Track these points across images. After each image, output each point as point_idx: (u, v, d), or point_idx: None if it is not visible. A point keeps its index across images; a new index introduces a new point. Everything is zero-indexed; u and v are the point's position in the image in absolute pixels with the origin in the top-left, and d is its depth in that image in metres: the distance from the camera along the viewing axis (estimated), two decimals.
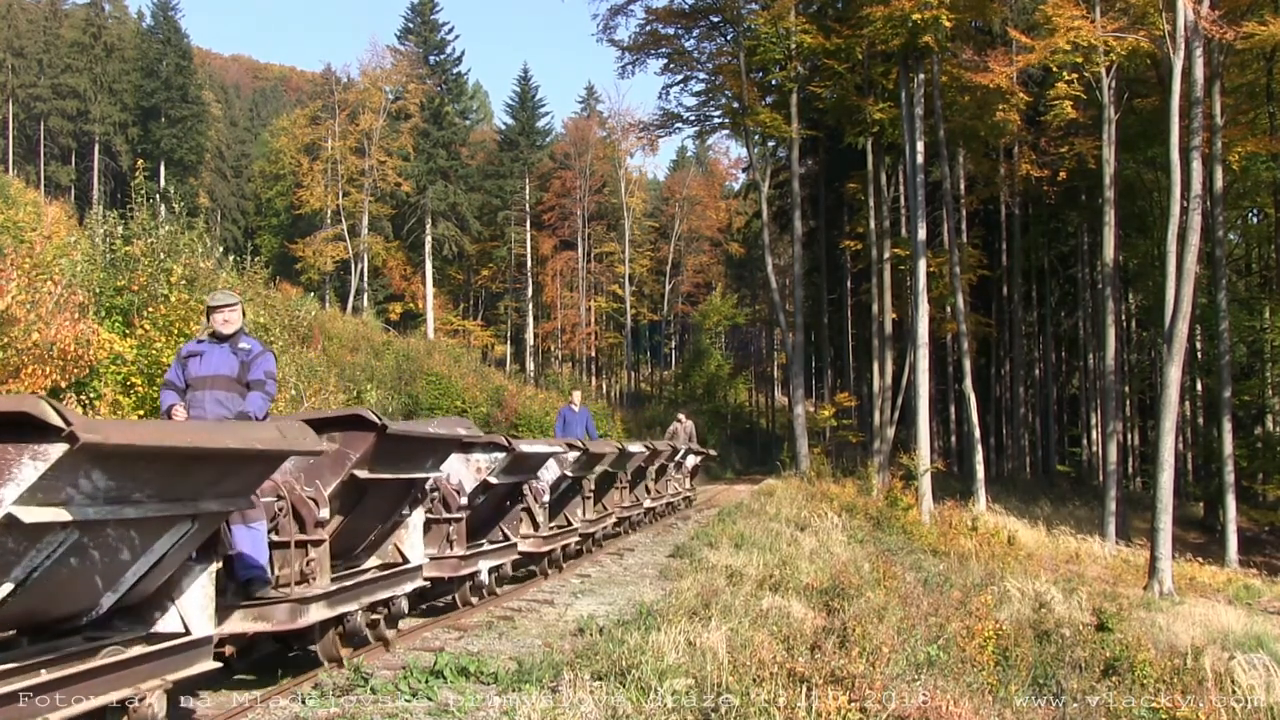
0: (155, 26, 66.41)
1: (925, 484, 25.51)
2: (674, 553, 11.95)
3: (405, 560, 6.92)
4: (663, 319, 65.91)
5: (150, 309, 12.49)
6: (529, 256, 59.39)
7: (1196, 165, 21.85)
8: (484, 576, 8.44)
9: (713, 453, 29.22)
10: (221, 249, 16.70)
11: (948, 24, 25.84)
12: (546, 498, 10.08)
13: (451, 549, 7.95)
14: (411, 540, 7.00)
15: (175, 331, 11.95)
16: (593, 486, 12.05)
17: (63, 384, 10.52)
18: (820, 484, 23.00)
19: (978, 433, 30.07)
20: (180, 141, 63.67)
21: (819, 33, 30.30)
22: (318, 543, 5.86)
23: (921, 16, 25.22)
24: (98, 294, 13.09)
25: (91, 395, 11.24)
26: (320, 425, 5.67)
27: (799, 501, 19.07)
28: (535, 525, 9.92)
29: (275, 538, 5.62)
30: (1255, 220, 39.06)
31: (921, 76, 27.86)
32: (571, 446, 10.47)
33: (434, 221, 53.72)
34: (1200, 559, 25.25)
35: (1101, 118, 27.08)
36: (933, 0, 25.18)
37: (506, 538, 9.23)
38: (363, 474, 5.97)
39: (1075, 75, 26.49)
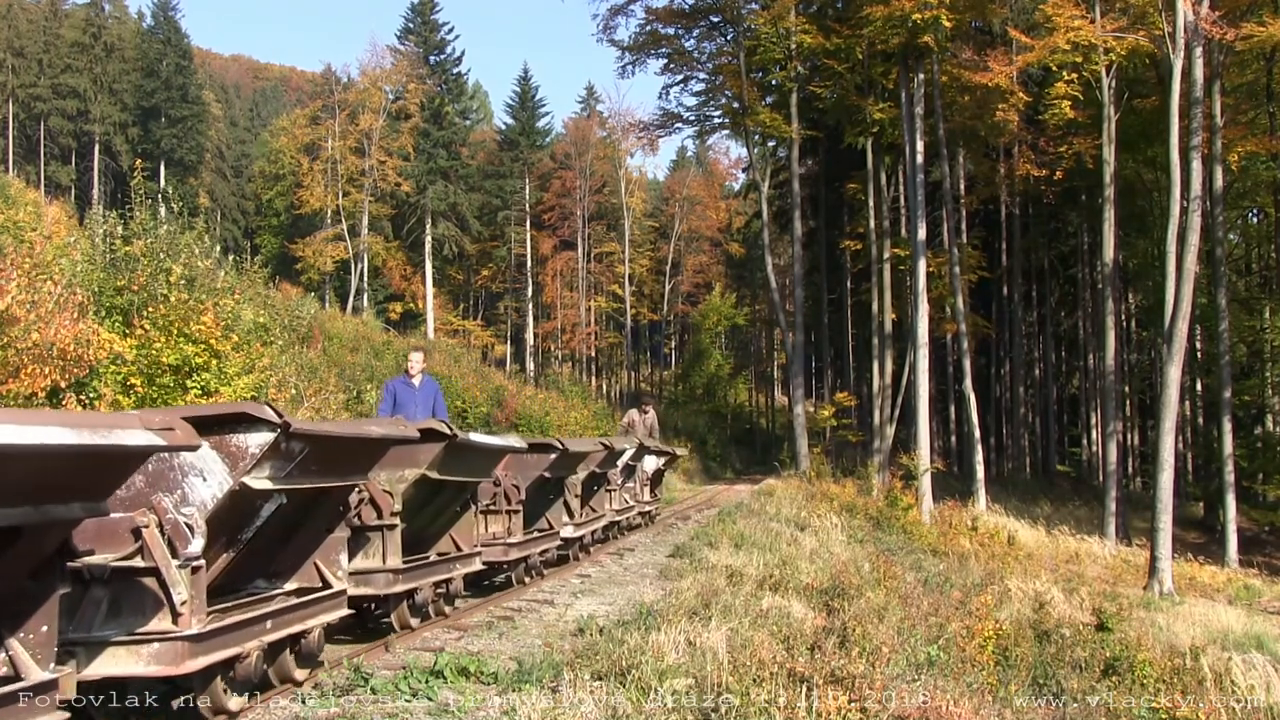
0: (155, 26, 66.47)
1: (925, 484, 25.53)
2: (674, 553, 11.94)
3: None
4: (663, 319, 65.94)
5: (150, 309, 12.48)
6: (529, 256, 59.40)
7: (1196, 165, 21.87)
8: None
9: (681, 452, 23.66)
10: (220, 249, 16.68)
11: (948, 24, 25.89)
12: (196, 546, 4.37)
13: None
14: None
15: (175, 331, 11.94)
16: (388, 515, 6.58)
17: (62, 384, 10.51)
18: (820, 484, 22.98)
19: (978, 433, 30.09)
20: (180, 141, 63.73)
21: (819, 33, 30.32)
22: None
23: (921, 16, 25.26)
24: (98, 294, 13.09)
25: (91, 395, 11.24)
26: None
27: (799, 501, 19.05)
28: (172, 611, 4.34)
29: None
30: (1255, 220, 39.10)
31: (921, 76, 27.88)
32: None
33: (434, 221, 53.73)
34: (1200, 559, 25.25)
35: (1101, 117, 27.10)
36: (932, 0, 25.20)
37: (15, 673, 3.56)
38: None
39: (1075, 75, 26.54)
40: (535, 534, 9.89)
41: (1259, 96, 30.55)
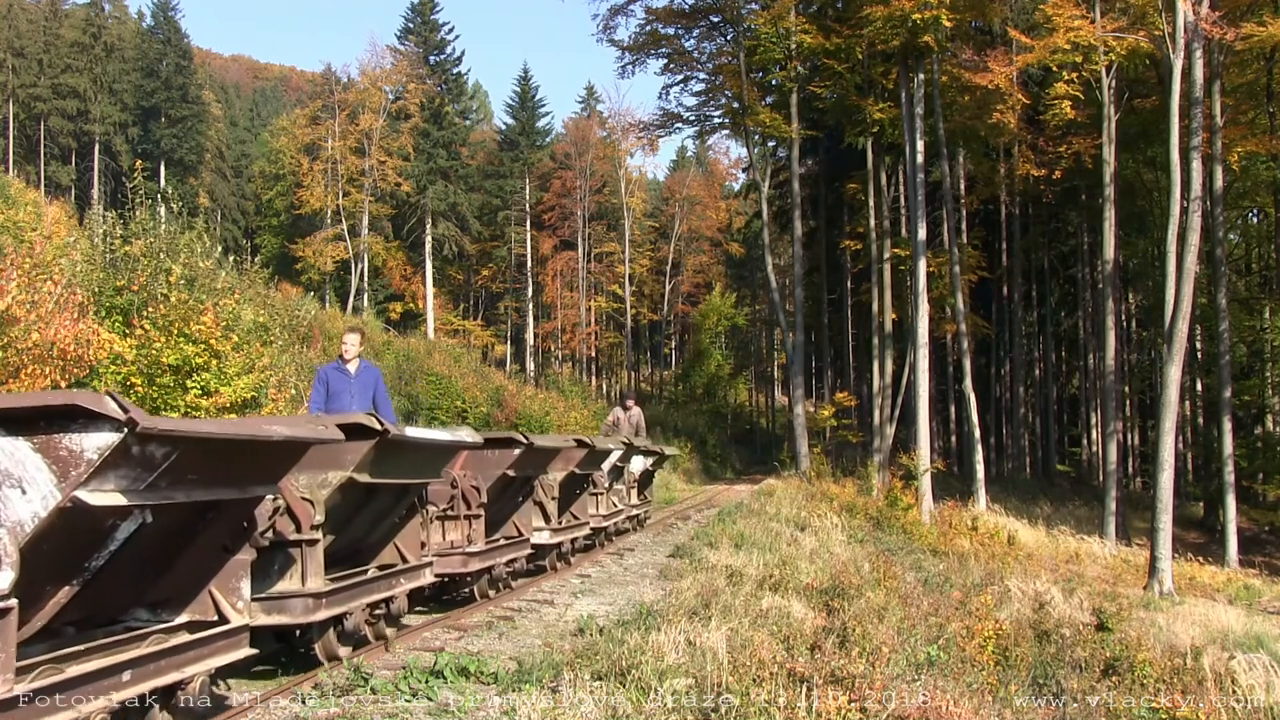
0: (155, 26, 66.48)
1: (925, 484, 25.52)
2: (674, 553, 11.95)
3: None
4: (663, 319, 65.93)
5: (150, 309, 12.49)
6: (529, 256, 59.41)
7: (1196, 165, 21.86)
8: None
9: (672, 451, 22.58)
10: (221, 249, 16.68)
11: (948, 24, 25.87)
12: (3, 581, 3.41)
13: None
14: None
15: (175, 331, 11.95)
16: (307, 529, 5.64)
17: (63, 384, 10.51)
18: (820, 484, 22.99)
19: (978, 433, 30.08)
20: (180, 141, 63.73)
21: (819, 33, 30.31)
22: None
23: (921, 16, 25.24)
24: (98, 294, 13.09)
25: None
26: None
27: (799, 501, 19.06)
28: None
29: None
30: (1255, 220, 39.09)
31: (921, 76, 27.87)
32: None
33: (434, 221, 53.73)
34: (1200, 559, 25.25)
35: (1101, 117, 27.09)
36: (932, 0, 25.20)
37: None
38: None
39: (1075, 75, 26.54)
40: (501, 541, 8.88)
41: (1259, 96, 30.52)
